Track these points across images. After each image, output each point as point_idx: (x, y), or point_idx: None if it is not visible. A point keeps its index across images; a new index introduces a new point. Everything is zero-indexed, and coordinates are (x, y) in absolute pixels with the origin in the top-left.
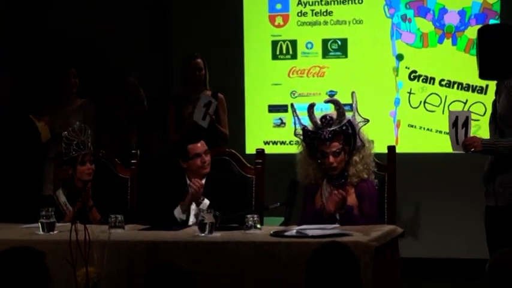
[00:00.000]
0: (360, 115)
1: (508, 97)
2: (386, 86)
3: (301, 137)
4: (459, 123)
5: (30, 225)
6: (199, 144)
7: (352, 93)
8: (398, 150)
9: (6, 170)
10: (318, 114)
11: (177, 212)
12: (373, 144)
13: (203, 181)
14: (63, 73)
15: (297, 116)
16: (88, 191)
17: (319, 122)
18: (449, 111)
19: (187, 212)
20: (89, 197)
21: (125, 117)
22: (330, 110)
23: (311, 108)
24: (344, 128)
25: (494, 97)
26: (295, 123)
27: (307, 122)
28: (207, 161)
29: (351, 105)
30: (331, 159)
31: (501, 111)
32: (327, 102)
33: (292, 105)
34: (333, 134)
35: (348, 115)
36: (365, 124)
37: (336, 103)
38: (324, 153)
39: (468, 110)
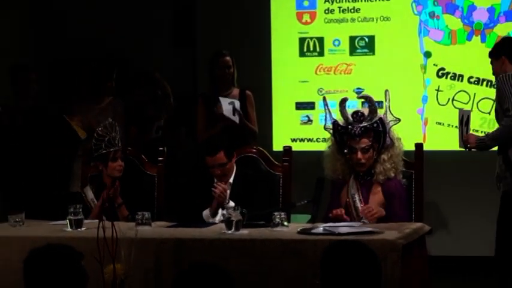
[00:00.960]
0: (392, 114)
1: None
2: (414, 84)
3: (331, 131)
4: (463, 121)
5: (58, 222)
6: (213, 158)
7: (386, 91)
8: (425, 147)
9: (35, 167)
10: (348, 110)
11: (206, 216)
12: (402, 143)
13: (231, 180)
14: (110, 72)
15: (329, 109)
16: (117, 189)
17: (350, 117)
18: (459, 110)
19: (215, 215)
20: (117, 195)
21: (154, 112)
22: (358, 107)
23: (343, 103)
24: (375, 125)
25: None
26: (325, 117)
27: (337, 117)
28: (221, 173)
29: (378, 102)
30: (360, 155)
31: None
32: (360, 97)
33: (324, 98)
34: (363, 130)
35: (380, 113)
36: (396, 123)
37: (369, 100)
38: (353, 149)
39: (469, 109)
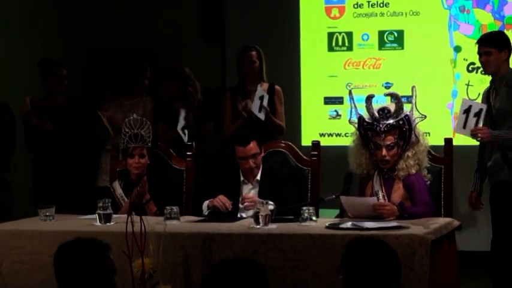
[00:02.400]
0: (418, 110)
1: (509, 92)
2: (444, 78)
3: (356, 126)
4: (472, 111)
5: (87, 217)
6: (246, 148)
7: (413, 87)
8: (455, 142)
9: (64, 161)
10: (375, 106)
11: (204, 206)
12: (428, 139)
13: (258, 177)
14: (145, 70)
15: (354, 103)
16: (144, 185)
17: (376, 113)
18: (463, 99)
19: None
20: (145, 191)
21: (182, 107)
22: (386, 102)
23: (369, 99)
24: (401, 122)
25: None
26: (351, 111)
27: (363, 112)
28: (253, 165)
29: (407, 97)
30: (384, 152)
31: (500, 105)
32: (386, 95)
33: (350, 92)
34: (389, 128)
35: (406, 109)
36: (422, 120)
37: (396, 97)
38: (378, 145)
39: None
